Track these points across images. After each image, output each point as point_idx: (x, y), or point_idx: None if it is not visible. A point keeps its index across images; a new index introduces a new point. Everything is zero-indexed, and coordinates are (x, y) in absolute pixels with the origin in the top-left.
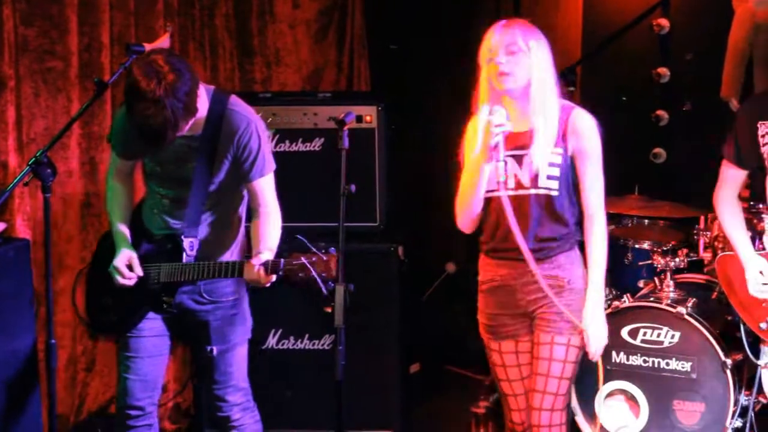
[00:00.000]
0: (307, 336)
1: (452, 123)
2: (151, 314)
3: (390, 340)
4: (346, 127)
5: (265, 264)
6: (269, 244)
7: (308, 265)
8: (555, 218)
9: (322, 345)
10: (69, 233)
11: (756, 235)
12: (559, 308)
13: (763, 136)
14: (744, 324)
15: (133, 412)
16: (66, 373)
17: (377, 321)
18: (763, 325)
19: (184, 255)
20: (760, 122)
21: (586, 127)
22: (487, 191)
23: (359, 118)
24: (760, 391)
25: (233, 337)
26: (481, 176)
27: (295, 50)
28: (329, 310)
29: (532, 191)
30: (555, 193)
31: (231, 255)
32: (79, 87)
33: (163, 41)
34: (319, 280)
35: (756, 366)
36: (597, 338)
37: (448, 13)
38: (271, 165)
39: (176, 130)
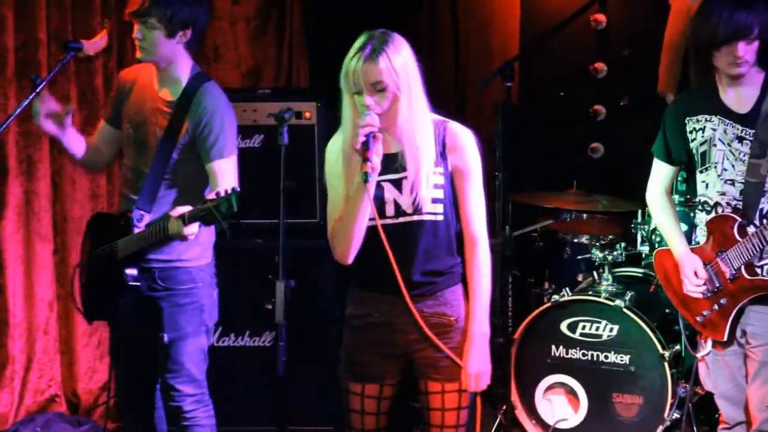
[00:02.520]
0: (247, 333)
1: None
2: (127, 300)
3: (331, 336)
4: (285, 124)
5: (181, 216)
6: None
7: (211, 208)
8: (442, 247)
9: (263, 342)
10: (7, 231)
11: (693, 228)
12: (444, 350)
13: (691, 132)
14: (682, 317)
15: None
16: (4, 371)
17: (318, 317)
18: (699, 319)
19: (134, 227)
20: (688, 118)
21: (466, 142)
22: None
23: (299, 115)
24: (697, 383)
25: (186, 326)
26: (363, 201)
27: (234, 47)
28: (270, 306)
29: (416, 218)
30: (441, 218)
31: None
32: (16, 84)
33: (101, 38)
34: (218, 217)
35: (693, 357)
36: (478, 378)
37: (386, 9)
38: (232, 149)
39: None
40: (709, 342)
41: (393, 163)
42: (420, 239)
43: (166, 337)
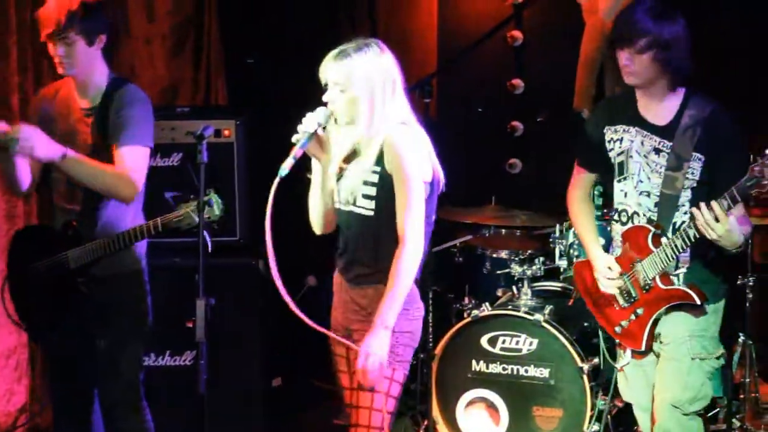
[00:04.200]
0: (168, 353)
1: None
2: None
3: (252, 355)
4: (204, 141)
5: (161, 221)
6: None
7: (191, 213)
8: (370, 241)
9: (184, 361)
10: None
11: (611, 242)
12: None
13: (610, 141)
14: (602, 329)
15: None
16: None
17: (239, 335)
18: (618, 329)
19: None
20: (607, 127)
21: (398, 147)
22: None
23: (217, 133)
24: (616, 394)
25: (127, 332)
26: (315, 180)
27: (151, 65)
28: (190, 324)
29: (352, 209)
30: (370, 213)
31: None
32: None
33: None
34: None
35: (612, 370)
36: (368, 357)
37: (306, 25)
38: (145, 140)
39: (63, 24)
40: (628, 352)
41: (354, 155)
42: (355, 229)
43: (106, 344)
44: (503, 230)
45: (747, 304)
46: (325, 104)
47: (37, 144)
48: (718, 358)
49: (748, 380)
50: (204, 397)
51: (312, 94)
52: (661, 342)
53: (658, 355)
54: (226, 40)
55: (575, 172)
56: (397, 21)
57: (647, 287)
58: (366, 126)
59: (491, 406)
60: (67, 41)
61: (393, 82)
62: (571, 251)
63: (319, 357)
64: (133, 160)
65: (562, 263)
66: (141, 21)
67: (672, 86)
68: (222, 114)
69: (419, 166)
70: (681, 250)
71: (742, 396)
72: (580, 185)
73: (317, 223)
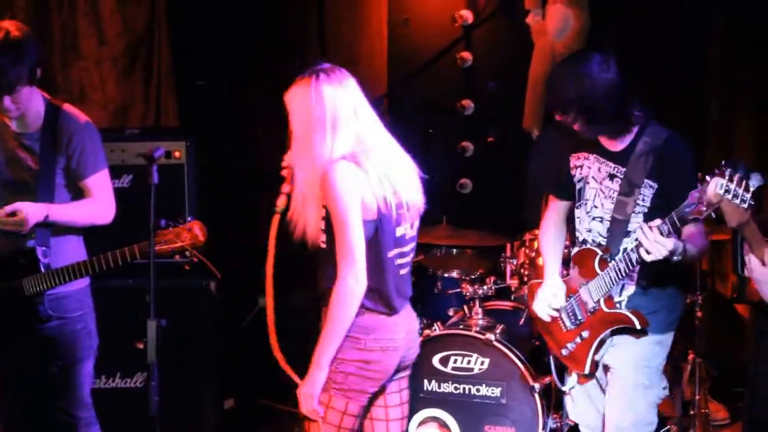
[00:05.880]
0: (119, 374)
1: (266, 156)
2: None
3: (204, 376)
4: (155, 163)
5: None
6: (61, 208)
7: (175, 237)
8: (329, 273)
9: (135, 383)
10: None
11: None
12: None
13: (573, 167)
14: (550, 350)
15: None
16: None
17: (191, 356)
18: (564, 352)
19: (41, 264)
20: (572, 154)
21: (326, 184)
22: None
23: (168, 154)
24: (566, 415)
25: (78, 351)
26: None
27: (101, 87)
28: (141, 346)
29: (319, 243)
30: (324, 245)
31: (78, 252)
32: None
33: None
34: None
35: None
36: (300, 399)
37: (257, 47)
38: (102, 163)
39: (11, 81)
40: (574, 375)
41: None
42: (321, 263)
43: (60, 365)
44: (454, 250)
45: (696, 322)
46: None
47: (27, 219)
48: (664, 388)
49: (698, 397)
50: (155, 419)
51: (262, 116)
52: (607, 369)
53: (602, 376)
54: (176, 62)
55: (549, 198)
56: (347, 42)
57: (593, 310)
58: (296, 162)
59: (443, 425)
60: (15, 92)
61: (333, 115)
62: (522, 270)
63: (271, 377)
64: (100, 187)
65: (513, 282)
66: (92, 43)
67: (615, 135)
68: (172, 135)
69: (350, 203)
70: (625, 274)
71: (692, 413)
72: (553, 212)
73: None
